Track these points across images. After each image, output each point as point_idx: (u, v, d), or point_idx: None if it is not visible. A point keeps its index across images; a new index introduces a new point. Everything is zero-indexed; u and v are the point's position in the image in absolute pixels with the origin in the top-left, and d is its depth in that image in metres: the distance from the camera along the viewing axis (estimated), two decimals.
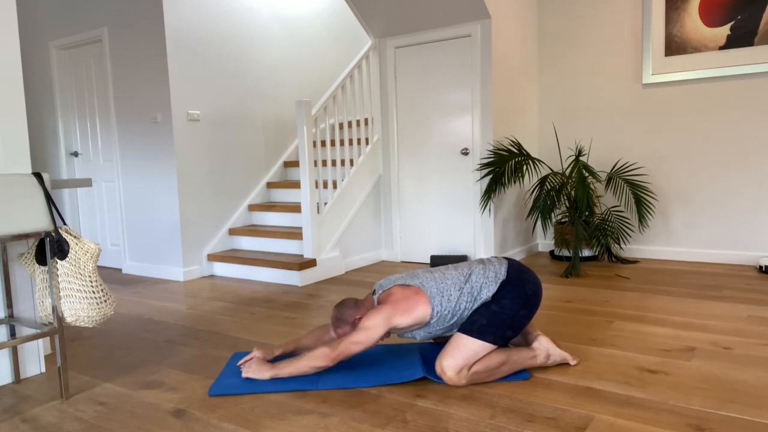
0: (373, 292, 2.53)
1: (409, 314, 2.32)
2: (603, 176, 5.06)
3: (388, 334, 2.32)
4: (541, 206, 4.57)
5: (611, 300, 3.55)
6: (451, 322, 2.37)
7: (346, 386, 2.31)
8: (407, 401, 2.19)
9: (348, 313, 2.41)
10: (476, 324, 2.30)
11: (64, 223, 2.44)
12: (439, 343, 2.76)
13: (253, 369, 2.38)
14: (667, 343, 2.72)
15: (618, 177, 4.67)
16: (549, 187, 4.63)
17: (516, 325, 2.34)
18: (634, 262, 4.72)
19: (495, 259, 2.50)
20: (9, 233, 2.21)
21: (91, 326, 3.00)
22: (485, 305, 2.34)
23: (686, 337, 2.81)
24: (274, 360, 2.58)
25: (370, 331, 2.26)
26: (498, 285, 2.37)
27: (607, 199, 5.08)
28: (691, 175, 4.65)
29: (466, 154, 4.72)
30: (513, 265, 2.45)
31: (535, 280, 2.43)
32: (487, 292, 2.36)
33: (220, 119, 4.94)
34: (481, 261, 2.49)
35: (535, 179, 5.34)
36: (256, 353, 2.50)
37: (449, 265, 2.52)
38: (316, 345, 2.58)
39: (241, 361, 2.48)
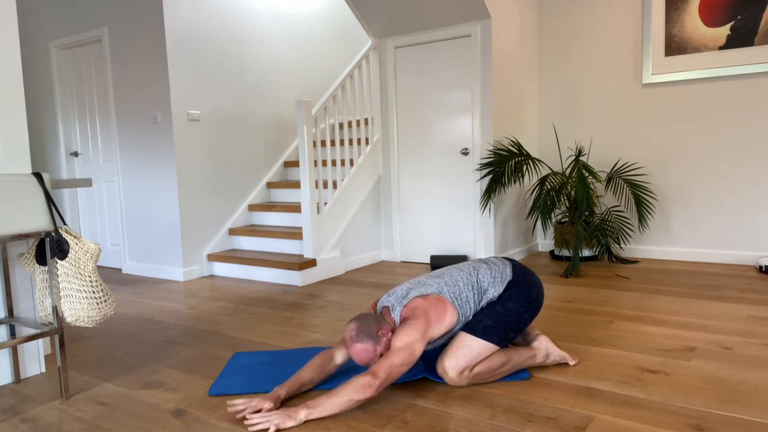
0: (380, 311, 2.36)
1: (441, 323, 2.22)
2: (603, 176, 5.06)
3: None
4: (541, 206, 4.57)
5: (611, 300, 3.55)
6: (465, 324, 2.35)
7: None
8: (407, 401, 2.18)
9: (372, 325, 2.16)
10: (481, 324, 2.29)
11: (64, 223, 2.44)
12: None
13: (283, 418, 1.96)
14: (667, 343, 2.72)
15: (618, 177, 4.67)
16: (549, 187, 4.63)
17: (520, 327, 2.34)
18: (634, 262, 4.72)
19: (496, 259, 2.50)
20: (9, 233, 2.21)
21: (91, 326, 3.00)
22: (490, 305, 2.34)
23: (686, 337, 2.81)
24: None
25: (411, 348, 2.08)
26: (505, 285, 2.37)
27: (607, 199, 5.08)
28: (691, 175, 4.65)
29: (466, 154, 4.72)
30: (517, 267, 2.45)
31: (538, 283, 2.44)
32: (494, 292, 2.35)
33: (220, 119, 4.94)
34: (485, 261, 2.48)
35: (535, 179, 5.34)
36: (261, 404, 2.08)
37: (450, 266, 2.48)
38: (320, 377, 2.28)
39: (245, 413, 2.05)
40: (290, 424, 1.96)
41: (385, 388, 2.30)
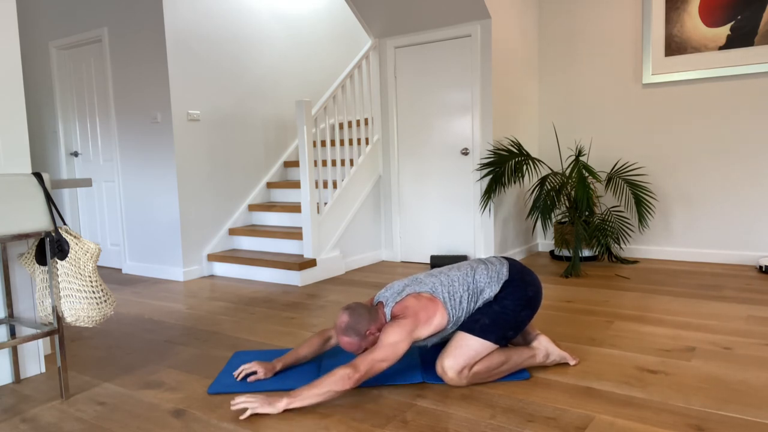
0: (375, 303, 2.41)
1: (429, 324, 2.26)
2: (603, 176, 5.06)
3: None
4: (541, 206, 4.57)
5: (611, 300, 3.55)
6: (459, 324, 2.36)
7: None
8: (407, 401, 2.19)
9: (362, 323, 2.23)
10: (479, 323, 2.30)
11: (64, 223, 2.44)
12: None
13: (262, 404, 2.07)
14: (667, 343, 2.72)
15: (618, 177, 4.67)
16: (549, 187, 4.63)
17: (518, 326, 2.34)
18: (634, 262, 4.72)
19: (495, 258, 2.50)
20: (9, 233, 2.21)
21: (91, 326, 3.00)
22: (487, 305, 2.35)
23: (686, 337, 2.81)
24: (275, 375, 2.44)
25: (395, 347, 2.14)
26: (501, 285, 2.37)
27: (607, 199, 5.08)
28: (691, 175, 4.65)
29: (466, 154, 4.72)
30: (514, 266, 2.45)
31: (536, 281, 2.44)
32: (490, 292, 2.36)
33: (220, 119, 4.94)
34: (482, 261, 2.49)
35: (535, 179, 5.34)
36: (255, 367, 2.39)
37: (450, 266, 2.49)
38: (316, 353, 2.49)
39: (239, 375, 2.41)
40: (268, 410, 2.06)
41: (384, 386, 2.31)
